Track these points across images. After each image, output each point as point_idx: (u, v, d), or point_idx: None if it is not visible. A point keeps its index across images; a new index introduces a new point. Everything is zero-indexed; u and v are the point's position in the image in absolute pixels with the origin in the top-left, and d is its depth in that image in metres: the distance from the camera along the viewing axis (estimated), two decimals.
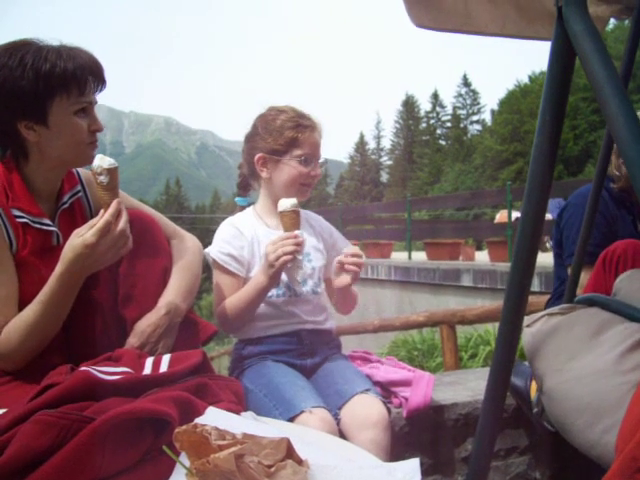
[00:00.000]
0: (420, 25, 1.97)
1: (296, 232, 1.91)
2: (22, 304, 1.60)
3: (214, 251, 2.08)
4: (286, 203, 1.93)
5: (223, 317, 2.01)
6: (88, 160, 1.69)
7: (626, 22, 2.21)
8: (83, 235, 1.53)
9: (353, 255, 2.02)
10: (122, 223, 1.58)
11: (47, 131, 1.63)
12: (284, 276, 2.05)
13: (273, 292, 2.05)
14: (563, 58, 1.17)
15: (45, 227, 1.68)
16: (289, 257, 1.87)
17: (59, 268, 1.55)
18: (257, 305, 2.00)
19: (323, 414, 1.72)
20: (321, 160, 2.17)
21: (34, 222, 1.66)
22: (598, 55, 1.00)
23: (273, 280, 1.94)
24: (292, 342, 2.06)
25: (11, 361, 1.59)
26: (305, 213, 2.27)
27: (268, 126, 2.13)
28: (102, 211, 1.58)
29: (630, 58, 1.85)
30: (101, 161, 1.59)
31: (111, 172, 1.59)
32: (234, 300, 1.99)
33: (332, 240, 2.28)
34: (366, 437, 1.75)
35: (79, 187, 1.84)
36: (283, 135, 2.10)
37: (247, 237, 2.10)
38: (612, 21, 2.30)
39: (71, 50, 1.65)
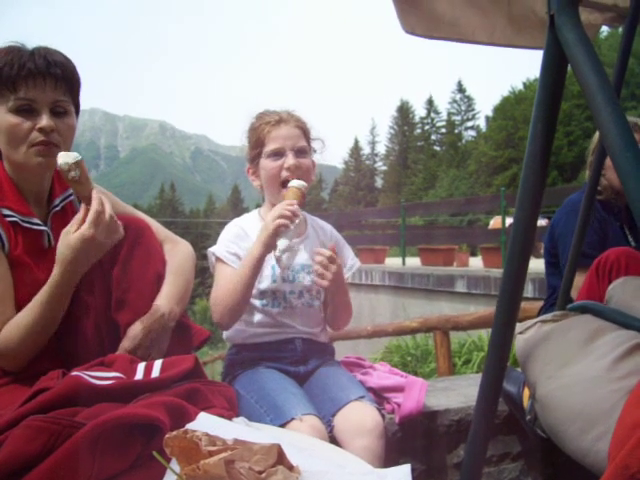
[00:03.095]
0: (410, 32, 1.98)
1: (296, 204, 1.92)
2: (15, 305, 1.61)
3: (221, 250, 2.05)
4: (295, 181, 1.97)
5: (217, 304, 1.96)
6: (35, 161, 1.65)
7: (619, 30, 2.22)
8: (78, 231, 1.55)
9: (318, 253, 1.99)
10: (109, 209, 1.59)
11: None
12: (281, 287, 2.05)
13: (269, 302, 2.04)
14: (555, 65, 1.18)
15: (35, 227, 1.68)
16: (283, 221, 1.87)
17: (57, 269, 1.56)
18: (250, 282, 1.93)
19: (313, 421, 1.71)
20: (316, 151, 2.17)
21: (24, 221, 1.66)
22: (590, 63, 1.01)
23: (266, 247, 1.90)
24: (286, 350, 2.05)
25: (12, 360, 1.59)
26: (312, 220, 2.26)
27: (248, 135, 2.16)
28: (83, 205, 1.59)
29: (622, 65, 1.86)
30: (66, 157, 1.57)
31: (79, 165, 1.57)
32: (229, 281, 1.96)
33: (337, 249, 2.23)
34: (360, 444, 1.74)
35: (71, 190, 1.83)
36: (253, 139, 2.12)
37: (252, 239, 2.07)
38: (606, 29, 2.32)
39: (19, 50, 1.65)
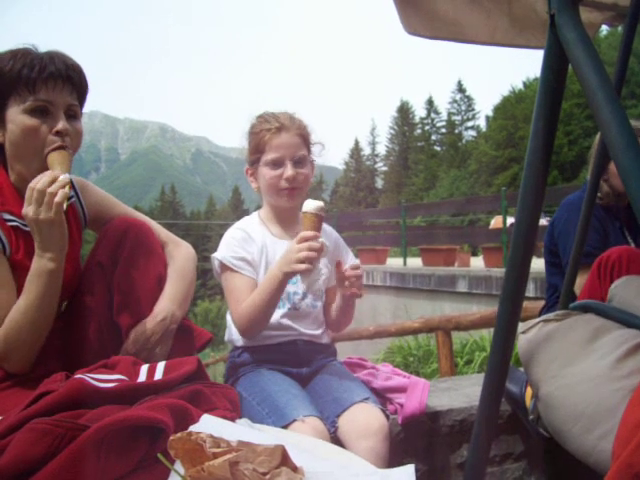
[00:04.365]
0: (412, 32, 1.98)
1: (319, 238, 1.80)
2: None
3: (227, 256, 2.01)
4: (310, 205, 1.83)
5: (244, 320, 1.94)
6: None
7: (619, 28, 2.23)
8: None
9: (352, 268, 1.95)
10: (40, 184, 1.49)
11: (5, 132, 1.65)
12: (286, 288, 2.04)
13: None
14: (556, 65, 1.18)
15: None
16: (307, 267, 1.76)
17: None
18: (276, 300, 1.90)
19: (315, 423, 1.71)
20: (315, 155, 2.14)
21: (24, 225, 1.65)
22: (591, 62, 1.01)
23: (287, 277, 1.86)
24: (288, 351, 2.05)
25: (14, 360, 1.58)
26: None
27: (248, 137, 2.14)
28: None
29: (623, 64, 1.86)
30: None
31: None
32: (254, 299, 1.91)
33: (337, 251, 2.25)
34: (366, 446, 1.74)
35: (72, 192, 1.82)
36: (253, 143, 2.10)
37: (257, 243, 2.07)
38: (606, 28, 2.32)
39: (36, 53, 1.65)
